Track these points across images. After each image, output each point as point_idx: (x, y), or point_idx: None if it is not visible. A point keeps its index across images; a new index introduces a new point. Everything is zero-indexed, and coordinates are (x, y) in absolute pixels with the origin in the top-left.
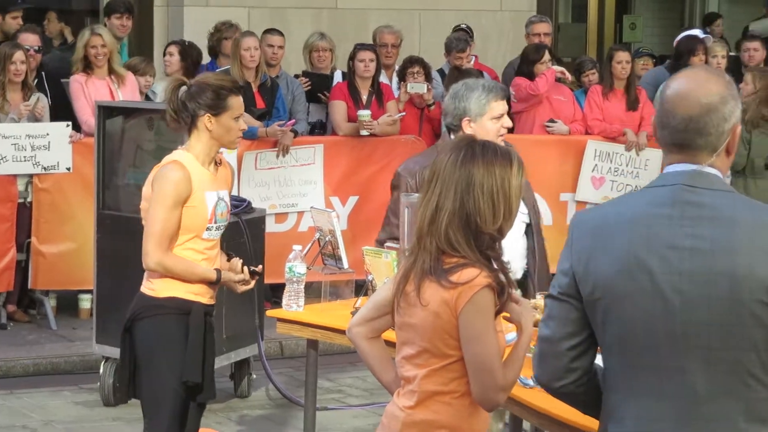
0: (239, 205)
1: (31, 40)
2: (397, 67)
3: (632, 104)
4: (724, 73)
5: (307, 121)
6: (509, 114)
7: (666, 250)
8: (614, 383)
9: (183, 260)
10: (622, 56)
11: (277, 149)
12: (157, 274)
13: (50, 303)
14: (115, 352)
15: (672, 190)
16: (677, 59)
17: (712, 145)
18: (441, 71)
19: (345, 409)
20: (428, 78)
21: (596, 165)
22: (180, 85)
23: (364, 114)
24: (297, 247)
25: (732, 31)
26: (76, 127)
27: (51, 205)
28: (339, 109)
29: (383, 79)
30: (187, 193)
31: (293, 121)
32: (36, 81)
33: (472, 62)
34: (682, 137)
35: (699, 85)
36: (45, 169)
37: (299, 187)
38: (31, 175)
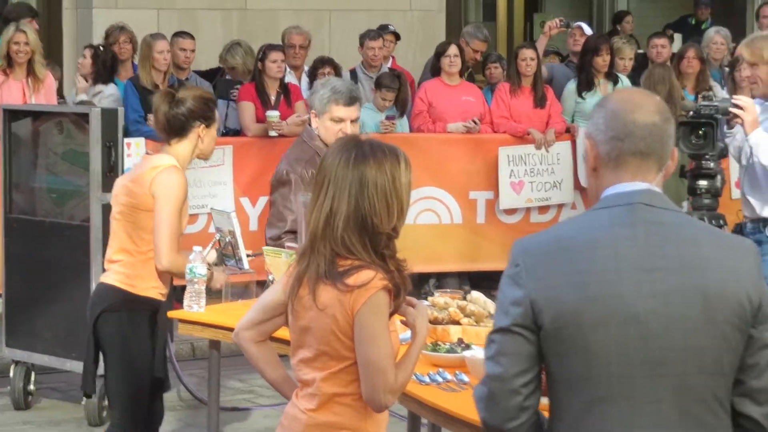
0: None
1: None
2: (306, 68)
3: (540, 101)
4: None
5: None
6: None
7: (636, 272)
8: (570, 420)
9: (183, 263)
10: (527, 53)
11: None
12: (137, 271)
13: None
14: (25, 355)
15: (630, 209)
16: (582, 57)
17: (663, 160)
18: (353, 72)
19: (255, 410)
20: (338, 76)
21: (512, 170)
22: (170, 95)
23: (273, 114)
24: (197, 248)
25: (642, 29)
26: None
27: None
28: (247, 110)
29: (291, 79)
30: (185, 198)
31: None
32: None
33: (389, 62)
34: (645, 144)
35: (649, 98)
36: None
37: (209, 188)
38: None
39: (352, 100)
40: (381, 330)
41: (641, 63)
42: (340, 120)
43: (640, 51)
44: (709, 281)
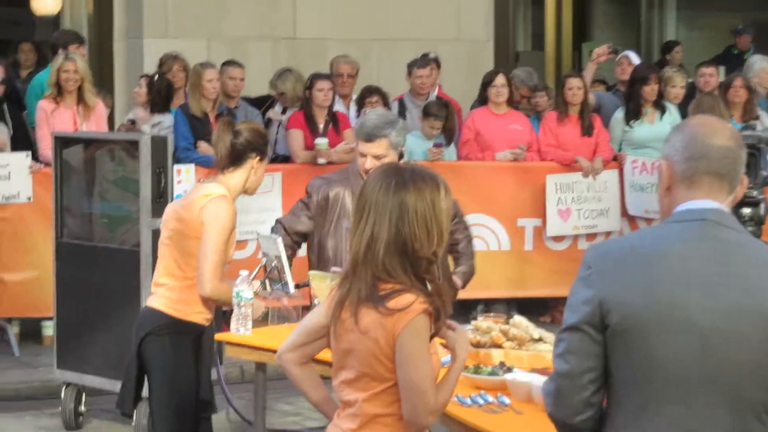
0: None
1: None
2: (354, 97)
3: (587, 130)
4: None
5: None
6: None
7: (703, 287)
8: (624, 419)
9: (230, 289)
10: (574, 83)
11: None
12: (182, 296)
13: (13, 330)
14: (75, 377)
15: (701, 225)
16: (631, 86)
17: (734, 182)
18: (401, 101)
19: None
20: (386, 107)
21: (559, 198)
22: (231, 124)
23: (322, 142)
24: (244, 272)
25: (689, 58)
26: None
27: (12, 234)
28: (296, 137)
29: (340, 107)
30: (233, 228)
31: None
32: None
33: (436, 90)
34: (720, 166)
35: (725, 124)
36: (6, 198)
37: (257, 215)
38: None
39: (370, 137)
40: (421, 352)
41: (689, 92)
42: (363, 155)
43: (690, 80)
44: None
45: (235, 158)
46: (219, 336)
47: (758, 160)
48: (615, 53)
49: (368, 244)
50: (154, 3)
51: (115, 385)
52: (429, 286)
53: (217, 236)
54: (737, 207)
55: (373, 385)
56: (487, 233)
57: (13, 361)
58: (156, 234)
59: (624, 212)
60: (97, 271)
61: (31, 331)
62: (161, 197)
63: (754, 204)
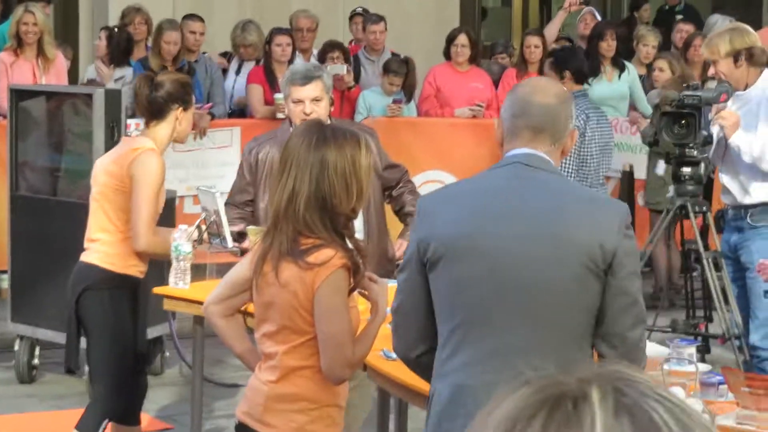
0: None
1: None
2: (315, 51)
3: None
4: None
5: (225, 104)
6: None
7: (500, 216)
8: (443, 343)
9: (164, 243)
10: (532, 41)
11: (194, 131)
12: (116, 250)
13: None
14: (29, 330)
15: (512, 167)
16: (589, 43)
17: (557, 135)
18: (355, 56)
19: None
20: (347, 61)
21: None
22: (150, 79)
23: (280, 97)
24: (183, 227)
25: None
26: None
27: None
28: (256, 92)
29: (300, 62)
30: (162, 181)
31: (210, 104)
32: None
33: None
34: (538, 121)
35: (549, 83)
36: None
37: (217, 169)
38: None
39: (307, 79)
40: (340, 306)
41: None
42: (299, 101)
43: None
44: (563, 227)
45: (157, 111)
46: (157, 290)
47: (698, 120)
48: (586, 4)
49: (289, 199)
50: None
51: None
52: (348, 242)
53: (147, 190)
54: (678, 166)
55: (293, 338)
56: None
57: None
58: None
59: None
60: (52, 224)
61: None
62: None
63: (694, 163)
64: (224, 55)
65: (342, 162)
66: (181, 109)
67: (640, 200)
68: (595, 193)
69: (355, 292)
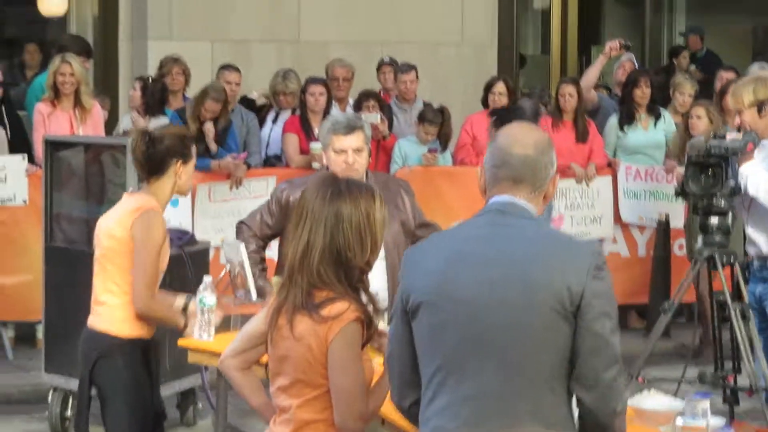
0: (182, 237)
1: None
2: (351, 100)
3: (581, 136)
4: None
5: (260, 153)
6: None
7: (474, 264)
8: (425, 388)
9: (164, 306)
10: (566, 89)
11: (230, 181)
12: (124, 314)
13: (8, 334)
14: (63, 381)
15: (489, 215)
16: (624, 89)
17: (537, 184)
18: (388, 106)
19: None
20: (382, 111)
21: (552, 204)
22: (147, 134)
23: (316, 147)
24: (208, 278)
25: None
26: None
27: (6, 237)
28: (291, 141)
29: (336, 112)
30: (164, 241)
31: (245, 153)
32: None
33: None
34: (517, 173)
35: (529, 132)
36: (1, 201)
37: None
38: None
39: (350, 129)
40: (353, 359)
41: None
42: (342, 151)
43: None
44: (533, 272)
45: (156, 167)
46: (182, 342)
47: (724, 170)
48: (627, 49)
49: (304, 252)
50: (158, 5)
51: None
52: (362, 295)
53: (148, 251)
54: (705, 216)
55: (307, 391)
56: None
57: (7, 364)
58: None
59: (617, 219)
60: (85, 275)
61: (26, 334)
62: None
63: (722, 214)
64: (260, 109)
65: (357, 215)
66: (180, 162)
67: (676, 249)
68: (569, 237)
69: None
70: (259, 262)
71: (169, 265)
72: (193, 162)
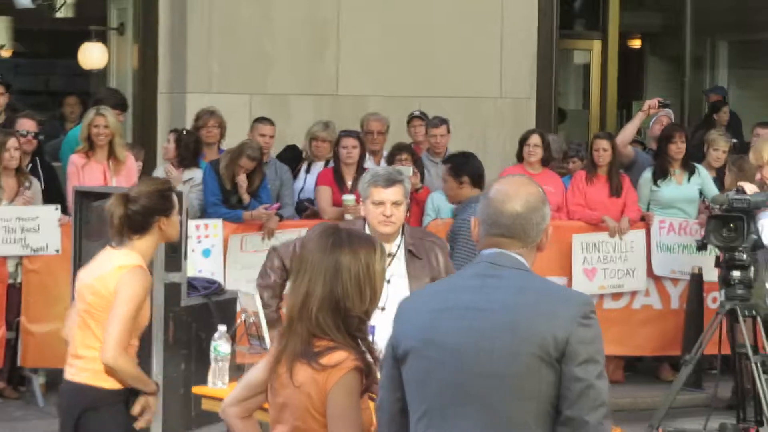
0: (209, 287)
1: (28, 125)
2: (385, 153)
3: (615, 190)
4: (535, 182)
5: (293, 205)
6: None
7: (461, 312)
8: None
9: (133, 365)
10: (600, 144)
11: (262, 232)
12: (100, 365)
13: (39, 380)
14: None
15: (479, 266)
16: (659, 145)
17: (528, 240)
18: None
19: None
20: (416, 164)
21: (585, 257)
22: (124, 198)
23: (349, 199)
24: (222, 327)
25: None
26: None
27: (40, 285)
28: (324, 194)
29: (370, 165)
30: (146, 297)
31: (278, 204)
32: (30, 165)
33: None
34: (508, 230)
35: (520, 187)
36: (34, 251)
37: None
38: (20, 257)
39: (390, 182)
40: (352, 408)
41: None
42: (381, 203)
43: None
44: (518, 320)
45: (138, 227)
46: (196, 390)
47: (745, 224)
48: (665, 107)
49: (303, 301)
50: (198, 58)
51: None
52: (360, 344)
53: (127, 307)
54: (727, 270)
55: None
56: None
57: (37, 411)
58: (168, 288)
59: (650, 272)
60: None
61: (57, 381)
62: (174, 252)
63: (743, 267)
64: (295, 161)
65: (356, 266)
66: (163, 218)
67: (710, 302)
68: (559, 287)
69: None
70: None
71: (195, 313)
72: (176, 211)
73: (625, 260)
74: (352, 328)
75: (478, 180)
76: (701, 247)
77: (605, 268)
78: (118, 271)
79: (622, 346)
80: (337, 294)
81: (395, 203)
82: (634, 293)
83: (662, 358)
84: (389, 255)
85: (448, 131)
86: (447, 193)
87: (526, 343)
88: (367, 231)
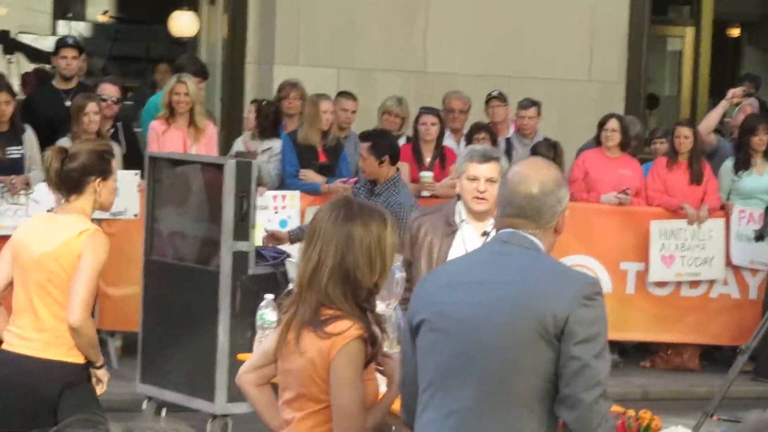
0: (277, 257)
1: (109, 90)
2: (465, 132)
3: (696, 178)
4: (554, 165)
5: None
6: None
7: (471, 286)
8: (419, 403)
9: (95, 331)
10: (682, 131)
11: None
12: (66, 341)
13: (114, 343)
14: (157, 392)
15: (493, 244)
16: (741, 136)
17: (542, 221)
18: (508, 140)
19: None
20: (494, 144)
21: (663, 244)
22: (62, 152)
23: (426, 175)
24: (269, 296)
25: None
26: None
27: (118, 249)
28: (402, 170)
29: (450, 143)
30: (105, 262)
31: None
32: (112, 131)
33: (511, 129)
34: (522, 211)
35: (537, 170)
36: (113, 214)
37: None
38: (100, 220)
39: (486, 158)
40: (354, 376)
41: None
42: (475, 178)
43: None
44: (521, 297)
45: (73, 185)
46: (242, 356)
47: None
48: (749, 96)
49: (314, 270)
50: (286, 30)
51: (191, 401)
52: (368, 315)
53: (93, 271)
54: None
55: (309, 405)
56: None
57: (111, 373)
58: (237, 256)
59: (728, 261)
60: (181, 289)
61: (133, 344)
62: (243, 220)
63: None
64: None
65: (368, 238)
66: (99, 180)
67: None
68: (566, 267)
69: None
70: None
71: (262, 282)
72: (113, 177)
73: (703, 248)
74: (360, 299)
75: (395, 159)
76: (759, 237)
77: (683, 256)
78: (79, 237)
79: (698, 335)
80: (347, 264)
81: (489, 180)
82: (711, 282)
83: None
84: (484, 234)
85: (539, 114)
86: (366, 170)
87: (525, 320)
88: (462, 210)
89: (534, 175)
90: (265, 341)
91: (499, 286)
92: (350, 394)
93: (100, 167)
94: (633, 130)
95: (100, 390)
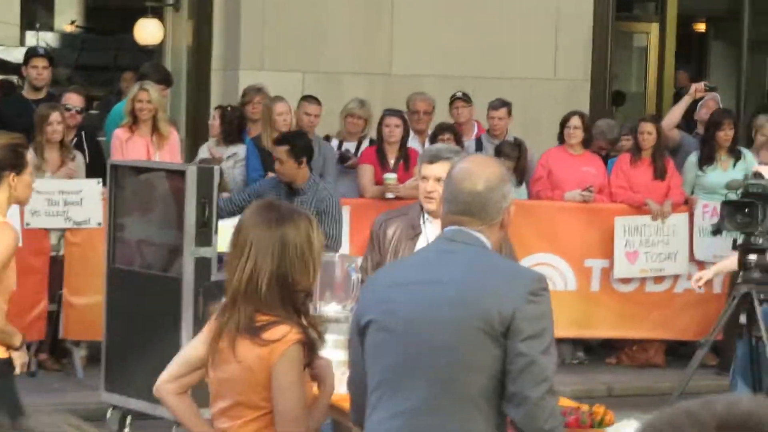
0: None
1: (74, 99)
2: (429, 133)
3: (659, 173)
4: (500, 160)
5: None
6: None
7: (416, 286)
8: (368, 404)
9: (3, 320)
10: (645, 127)
11: None
12: None
13: (79, 353)
14: (122, 400)
15: (438, 242)
16: (706, 131)
17: (487, 218)
18: (478, 139)
19: None
20: (459, 144)
21: (627, 240)
22: None
23: (390, 177)
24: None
25: None
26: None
27: (82, 258)
28: (366, 172)
29: (415, 144)
30: (13, 254)
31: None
32: (75, 140)
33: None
34: (468, 208)
35: (481, 166)
36: (77, 224)
37: None
38: (63, 230)
39: (435, 158)
40: (295, 381)
41: None
42: (425, 178)
43: None
44: (466, 294)
45: None
46: None
47: (759, 209)
48: (711, 90)
49: (249, 278)
50: (251, 36)
51: (156, 409)
52: (303, 319)
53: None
54: (744, 253)
55: (247, 413)
56: (554, 273)
57: (76, 383)
58: (198, 262)
59: (692, 257)
60: (144, 297)
61: (98, 353)
62: (204, 226)
63: (760, 251)
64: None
65: (300, 240)
66: (13, 175)
67: None
68: (512, 264)
69: None
70: None
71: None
72: (28, 171)
73: (667, 244)
74: (297, 302)
75: (310, 159)
76: (716, 231)
77: (647, 252)
78: None
79: (663, 330)
80: (284, 269)
81: (438, 179)
82: (676, 277)
83: None
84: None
85: (509, 114)
86: (285, 173)
87: (471, 317)
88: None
89: (478, 171)
90: (185, 350)
91: (444, 285)
92: (293, 398)
93: (13, 161)
94: (610, 134)
95: (19, 368)
